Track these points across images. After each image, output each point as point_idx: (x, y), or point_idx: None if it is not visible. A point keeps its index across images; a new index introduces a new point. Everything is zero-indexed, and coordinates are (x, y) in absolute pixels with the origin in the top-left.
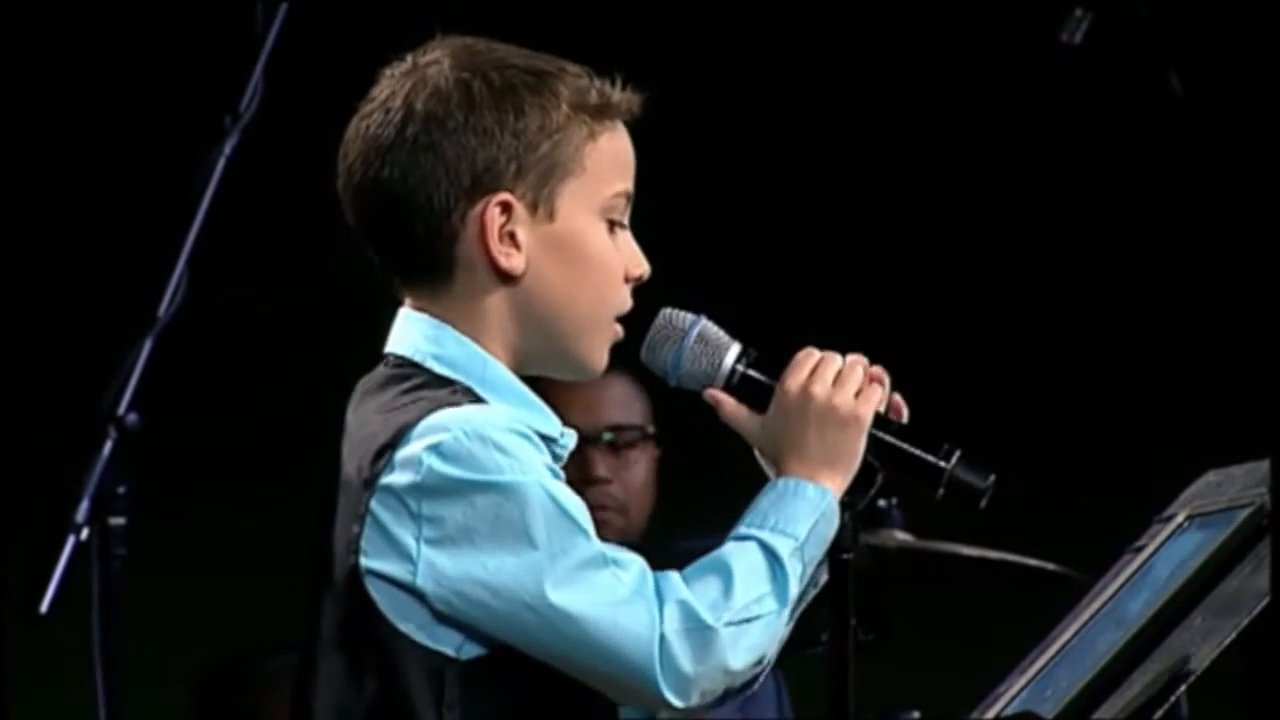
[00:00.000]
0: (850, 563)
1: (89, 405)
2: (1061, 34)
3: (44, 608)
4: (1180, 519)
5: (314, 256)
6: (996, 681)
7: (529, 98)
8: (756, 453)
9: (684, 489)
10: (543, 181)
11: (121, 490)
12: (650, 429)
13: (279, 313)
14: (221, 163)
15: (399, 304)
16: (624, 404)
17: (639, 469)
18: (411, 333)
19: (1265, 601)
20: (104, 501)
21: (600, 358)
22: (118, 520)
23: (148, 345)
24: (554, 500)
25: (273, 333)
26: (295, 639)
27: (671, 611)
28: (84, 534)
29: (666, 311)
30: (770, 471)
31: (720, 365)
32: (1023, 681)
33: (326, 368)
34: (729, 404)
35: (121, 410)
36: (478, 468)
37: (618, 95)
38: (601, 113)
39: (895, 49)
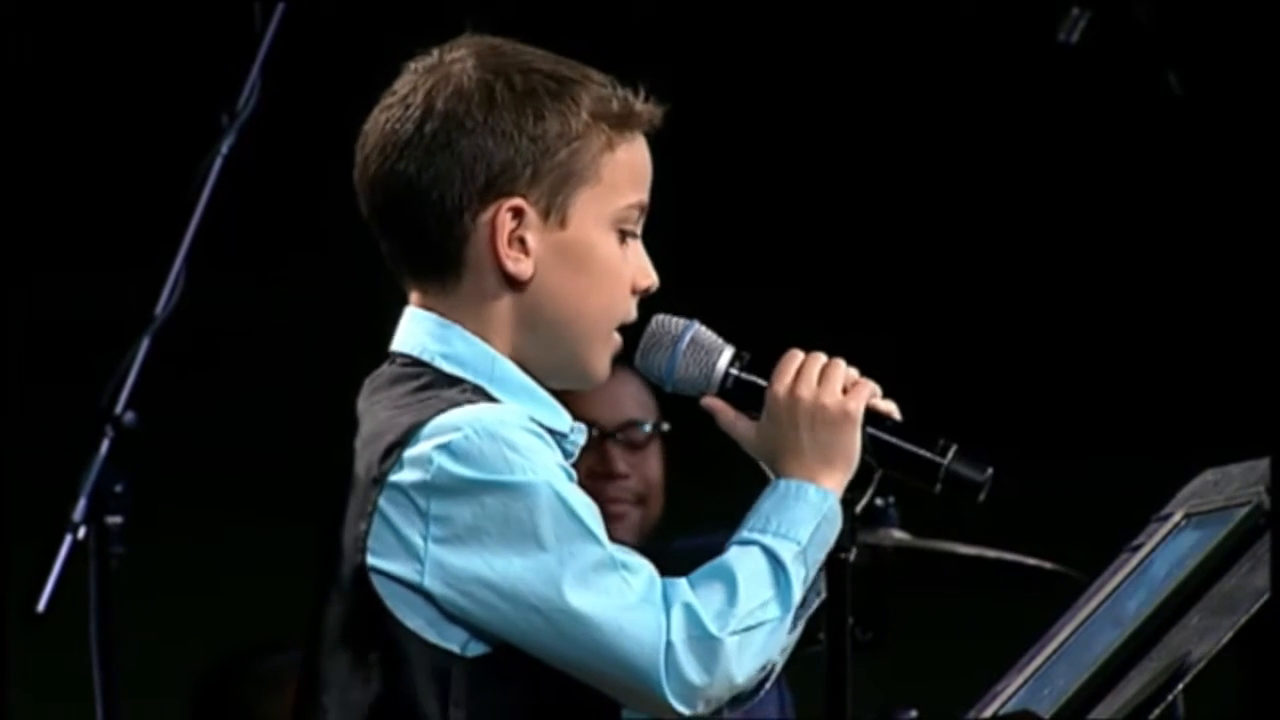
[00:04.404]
0: (848, 562)
1: (86, 404)
2: (1060, 33)
3: (41, 606)
4: (1178, 518)
5: (312, 255)
6: (994, 680)
7: (550, 103)
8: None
9: (680, 489)
10: (557, 189)
11: (119, 489)
12: (663, 425)
13: (276, 311)
14: (219, 161)
15: (402, 302)
16: (641, 400)
17: (654, 463)
18: (418, 331)
19: (1262, 600)
20: (101, 500)
21: (603, 367)
22: (115, 519)
23: (145, 344)
24: (563, 501)
25: (269, 332)
26: (295, 638)
27: (678, 619)
28: (81, 533)
29: (659, 318)
30: (772, 476)
31: (714, 370)
32: (1020, 680)
33: (324, 367)
34: (726, 413)
35: (119, 409)
36: (488, 467)
37: (640, 106)
38: (622, 123)
39: (895, 48)
